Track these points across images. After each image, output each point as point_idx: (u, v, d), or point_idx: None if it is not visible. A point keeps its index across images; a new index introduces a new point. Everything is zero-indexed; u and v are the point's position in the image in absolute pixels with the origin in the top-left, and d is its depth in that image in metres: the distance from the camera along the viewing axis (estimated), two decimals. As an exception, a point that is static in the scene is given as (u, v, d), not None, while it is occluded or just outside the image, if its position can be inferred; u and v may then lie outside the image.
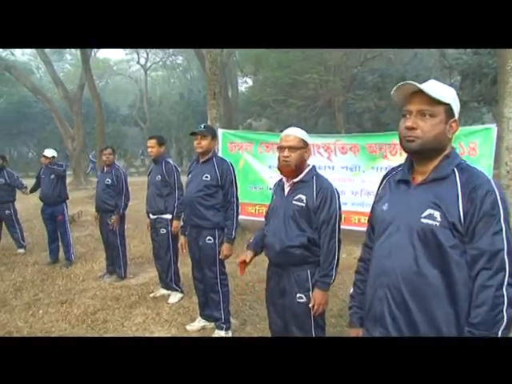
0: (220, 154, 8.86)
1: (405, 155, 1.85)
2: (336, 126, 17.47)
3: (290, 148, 2.87)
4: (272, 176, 8.10)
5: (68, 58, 43.33)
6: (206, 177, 4.14)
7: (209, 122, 9.28)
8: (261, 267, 5.08)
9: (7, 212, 8.02)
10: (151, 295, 5.59)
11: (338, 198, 2.91)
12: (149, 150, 5.56)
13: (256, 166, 8.73)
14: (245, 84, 35.19)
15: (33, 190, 7.66)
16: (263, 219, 3.31)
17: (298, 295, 2.90)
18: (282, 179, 3.06)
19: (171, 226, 5.30)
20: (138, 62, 39.15)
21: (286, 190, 2.98)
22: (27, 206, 11.56)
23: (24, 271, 6.80)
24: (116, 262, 6.37)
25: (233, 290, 5.17)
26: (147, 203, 5.54)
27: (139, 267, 7.02)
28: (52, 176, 7.03)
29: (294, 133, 2.93)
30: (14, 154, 38.44)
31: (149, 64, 39.86)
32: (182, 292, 5.53)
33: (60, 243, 7.26)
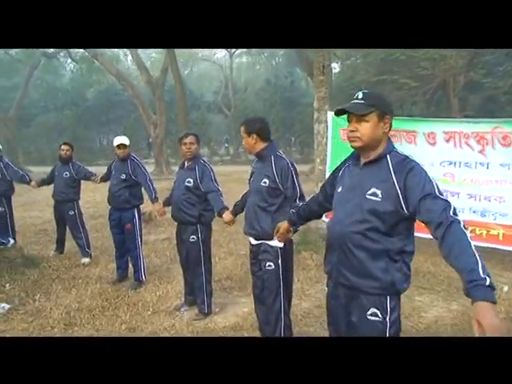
0: (329, 145, 7.00)
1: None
2: (450, 112, 14.82)
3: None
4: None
5: (155, 45, 43.18)
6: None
7: (315, 104, 7.37)
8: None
9: (71, 213, 6.64)
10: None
11: None
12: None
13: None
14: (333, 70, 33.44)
15: (103, 180, 6.27)
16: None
17: None
18: None
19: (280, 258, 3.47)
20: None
21: None
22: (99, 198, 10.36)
23: (83, 292, 5.30)
24: (198, 295, 4.68)
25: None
26: (246, 223, 3.71)
27: (227, 295, 5.31)
28: (123, 175, 5.51)
29: None
30: (103, 142, 39.01)
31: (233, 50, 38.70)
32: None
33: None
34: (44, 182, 6.96)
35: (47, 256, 6.71)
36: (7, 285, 5.35)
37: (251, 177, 3.62)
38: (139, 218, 5.69)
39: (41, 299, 5.08)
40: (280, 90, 31.64)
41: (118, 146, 5.49)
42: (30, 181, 6.97)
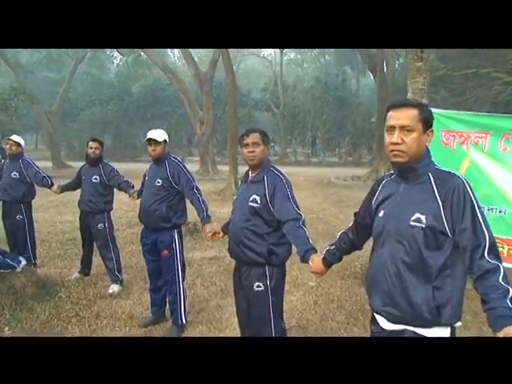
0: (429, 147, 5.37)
1: None
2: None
3: None
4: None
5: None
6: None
7: (409, 96, 5.77)
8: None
9: (100, 226, 5.29)
10: None
11: None
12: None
13: (492, 171, 5.04)
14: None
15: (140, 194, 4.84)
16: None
17: None
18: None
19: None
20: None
21: None
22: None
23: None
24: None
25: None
26: None
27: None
28: (159, 181, 4.08)
29: None
30: (142, 140, 38.32)
31: (284, 45, 37.29)
32: None
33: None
34: (69, 187, 5.66)
35: (67, 280, 5.39)
36: (6, 328, 3.99)
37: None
38: (180, 242, 4.27)
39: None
40: (331, 88, 30.21)
41: (149, 142, 4.11)
42: (52, 184, 5.70)
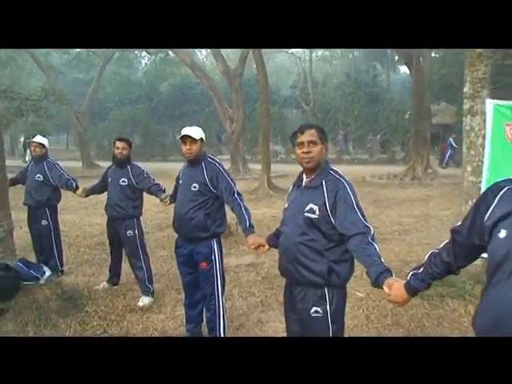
0: (488, 148, 4.80)
1: None
2: None
3: None
4: None
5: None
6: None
7: (467, 89, 5.19)
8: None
9: (129, 233, 4.88)
10: None
11: None
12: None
13: None
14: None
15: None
16: None
17: None
18: None
19: None
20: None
21: None
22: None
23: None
24: None
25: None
26: None
27: None
28: (195, 186, 3.63)
29: None
30: (176, 137, 38.23)
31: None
32: None
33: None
34: (94, 190, 5.27)
35: (95, 290, 5.00)
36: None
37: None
38: (220, 253, 3.81)
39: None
40: (361, 84, 29.47)
41: (183, 140, 3.64)
42: (77, 187, 5.34)
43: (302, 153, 2.60)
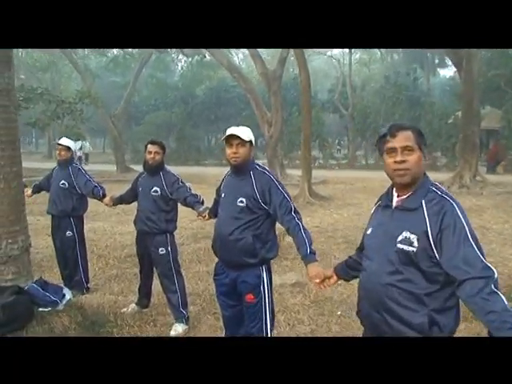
0: None
1: None
2: None
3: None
4: None
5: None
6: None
7: None
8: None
9: (161, 251, 4.23)
10: None
11: None
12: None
13: None
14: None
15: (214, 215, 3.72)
16: None
17: None
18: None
19: None
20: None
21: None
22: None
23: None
24: None
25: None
26: None
27: None
28: (242, 201, 2.94)
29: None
30: (211, 141, 37.96)
31: (351, 44, 35.96)
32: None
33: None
34: (123, 199, 4.67)
35: (122, 313, 4.39)
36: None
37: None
38: (270, 283, 3.14)
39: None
40: (402, 88, 28.45)
41: (229, 142, 2.99)
42: (104, 195, 4.77)
43: (394, 162, 1.91)
